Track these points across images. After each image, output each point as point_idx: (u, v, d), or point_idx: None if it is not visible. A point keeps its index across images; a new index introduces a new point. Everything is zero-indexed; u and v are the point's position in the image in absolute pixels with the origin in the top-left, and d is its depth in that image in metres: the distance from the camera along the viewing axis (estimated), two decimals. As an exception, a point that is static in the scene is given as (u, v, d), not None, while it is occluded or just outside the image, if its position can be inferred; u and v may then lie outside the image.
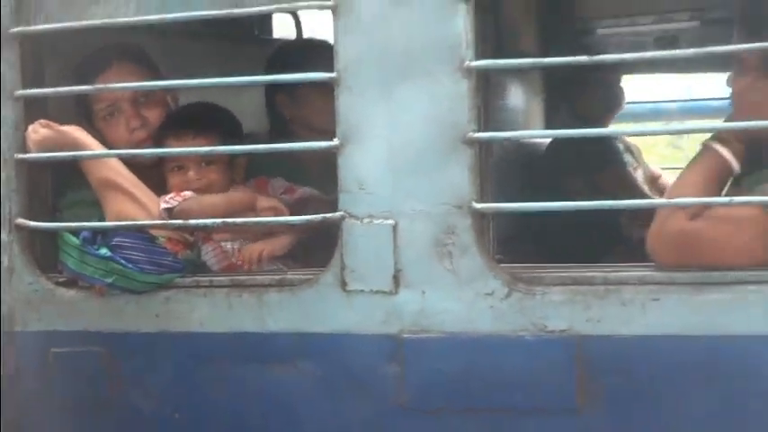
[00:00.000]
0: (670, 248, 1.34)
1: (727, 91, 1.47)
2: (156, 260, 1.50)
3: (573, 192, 2.42)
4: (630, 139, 3.10)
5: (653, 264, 1.35)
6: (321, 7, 1.34)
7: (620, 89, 2.95)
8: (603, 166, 2.69)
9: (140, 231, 1.51)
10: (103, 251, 1.47)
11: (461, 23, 1.28)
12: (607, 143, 2.78)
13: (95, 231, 1.50)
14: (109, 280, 1.46)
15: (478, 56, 1.30)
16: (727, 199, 1.33)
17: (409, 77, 1.31)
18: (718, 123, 1.71)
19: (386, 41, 1.32)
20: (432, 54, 1.30)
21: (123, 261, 1.47)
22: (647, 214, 1.46)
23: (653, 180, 2.99)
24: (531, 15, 2.66)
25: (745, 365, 1.25)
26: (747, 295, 1.23)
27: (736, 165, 1.38)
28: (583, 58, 1.30)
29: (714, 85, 3.28)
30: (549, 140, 2.84)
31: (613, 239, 2.44)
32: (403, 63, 1.31)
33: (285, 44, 2.45)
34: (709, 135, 1.43)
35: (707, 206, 1.31)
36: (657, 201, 1.45)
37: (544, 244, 2.42)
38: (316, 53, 1.83)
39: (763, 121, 1.33)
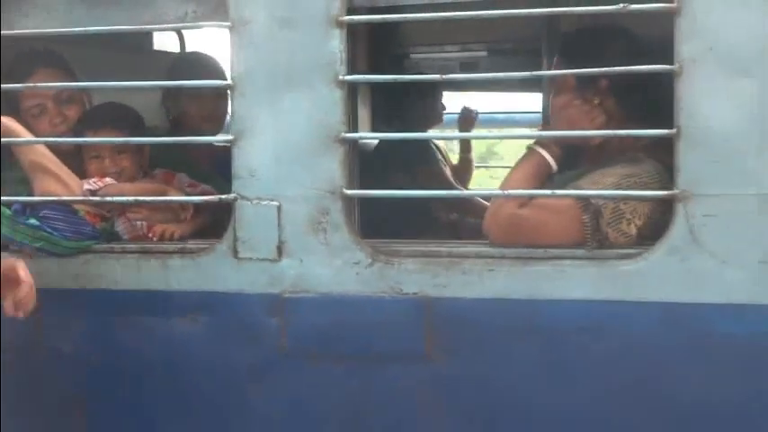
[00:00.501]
0: (502, 229, 1.63)
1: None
2: (77, 229, 1.74)
3: (395, 184, 2.78)
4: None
5: (487, 241, 1.67)
6: (220, 26, 1.60)
7: (438, 104, 3.37)
8: (421, 163, 3.10)
9: (64, 205, 1.75)
10: (32, 221, 1.71)
11: (337, 45, 1.57)
12: (423, 145, 3.20)
13: (25, 204, 1.73)
14: (37, 245, 1.71)
15: (350, 71, 1.59)
16: (549, 192, 1.64)
17: (293, 87, 1.57)
18: (538, 132, 2.07)
19: (274, 56, 1.58)
20: (312, 68, 1.57)
21: (49, 230, 1.71)
22: (460, 202, 1.77)
23: (456, 174, 3.47)
24: (365, 42, 3.00)
25: (562, 324, 1.55)
26: (564, 268, 1.55)
27: (554, 165, 1.71)
28: (435, 77, 1.62)
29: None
30: (376, 142, 3.20)
31: (428, 222, 2.87)
32: (288, 75, 1.58)
33: (181, 56, 2.81)
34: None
35: (532, 197, 1.64)
36: (495, 191, 1.76)
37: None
38: (204, 64, 2.34)
39: (576, 131, 1.68)
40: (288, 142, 1.59)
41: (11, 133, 1.76)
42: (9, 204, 1.72)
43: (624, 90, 1.65)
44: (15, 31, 1.63)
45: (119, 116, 1.96)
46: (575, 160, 1.76)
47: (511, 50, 3.45)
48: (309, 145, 1.59)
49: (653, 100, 1.59)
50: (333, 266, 1.61)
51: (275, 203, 1.60)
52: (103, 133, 1.91)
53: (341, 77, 1.56)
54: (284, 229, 1.60)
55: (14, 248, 1.71)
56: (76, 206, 1.76)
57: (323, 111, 1.58)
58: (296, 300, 1.62)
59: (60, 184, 1.79)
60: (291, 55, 1.57)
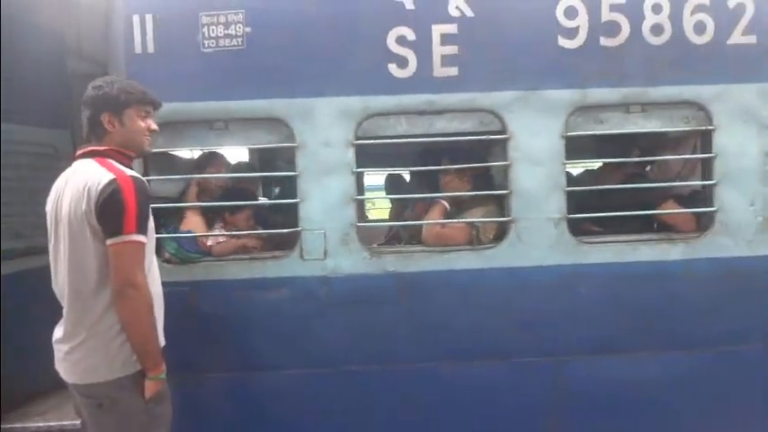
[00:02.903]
0: (434, 239, 3.39)
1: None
2: (196, 249, 3.32)
3: None
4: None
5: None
6: (290, 146, 3.27)
7: None
8: None
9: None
10: (173, 243, 3.29)
11: (351, 154, 3.24)
12: None
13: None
14: (177, 255, 3.27)
15: (358, 167, 3.28)
16: (456, 220, 3.43)
17: (330, 174, 3.21)
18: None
19: (319, 161, 3.21)
20: (340, 166, 3.21)
21: (182, 249, 3.28)
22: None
23: None
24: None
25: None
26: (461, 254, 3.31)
27: (448, 206, 3.47)
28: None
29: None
30: None
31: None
32: (327, 169, 3.22)
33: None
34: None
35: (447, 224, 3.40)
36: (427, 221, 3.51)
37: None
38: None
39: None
40: (328, 201, 3.23)
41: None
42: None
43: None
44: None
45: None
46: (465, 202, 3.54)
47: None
48: (338, 202, 3.24)
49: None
50: (351, 260, 3.26)
51: (322, 232, 3.25)
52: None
53: (353, 170, 3.25)
54: (328, 243, 3.25)
55: (167, 257, 3.26)
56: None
57: (345, 186, 3.24)
58: (334, 278, 3.26)
59: (193, 226, 3.38)
60: (327, 159, 3.21)
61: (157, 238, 3.21)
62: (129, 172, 2.56)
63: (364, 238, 3.32)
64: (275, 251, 3.42)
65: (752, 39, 3.22)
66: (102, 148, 2.62)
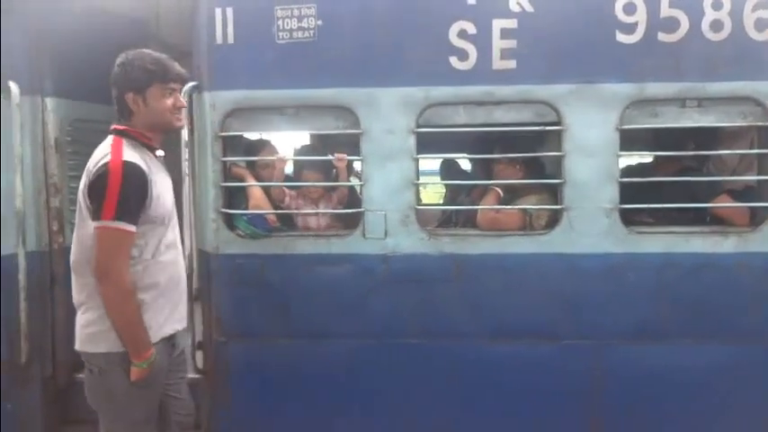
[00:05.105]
0: (488, 224, 3.54)
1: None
2: (263, 226, 3.51)
3: None
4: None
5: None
6: (356, 132, 3.48)
7: None
8: None
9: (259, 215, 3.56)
10: (244, 219, 3.51)
11: (413, 141, 3.42)
12: None
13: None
14: (248, 232, 3.47)
15: (418, 153, 3.46)
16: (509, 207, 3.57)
17: (393, 159, 3.39)
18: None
19: (382, 147, 3.38)
20: (402, 151, 3.40)
21: (251, 226, 3.49)
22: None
23: None
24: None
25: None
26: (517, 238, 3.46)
27: (501, 194, 3.62)
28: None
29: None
30: None
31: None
32: (390, 154, 3.38)
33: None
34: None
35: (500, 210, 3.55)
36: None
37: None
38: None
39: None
40: (389, 185, 3.42)
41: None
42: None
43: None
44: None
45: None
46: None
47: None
48: (398, 186, 3.42)
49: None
50: (410, 240, 3.44)
51: (383, 213, 3.45)
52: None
53: (414, 156, 3.43)
54: (388, 224, 3.44)
55: (238, 233, 3.49)
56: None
57: (405, 171, 3.42)
58: (393, 256, 3.46)
59: (259, 203, 3.60)
60: (390, 146, 3.39)
61: (231, 216, 3.47)
62: (126, 156, 2.46)
63: (421, 220, 3.48)
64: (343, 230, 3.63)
65: (814, 36, 3.21)
66: (122, 127, 2.59)
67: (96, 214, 2.45)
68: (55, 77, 3.80)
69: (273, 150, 3.93)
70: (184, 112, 3.13)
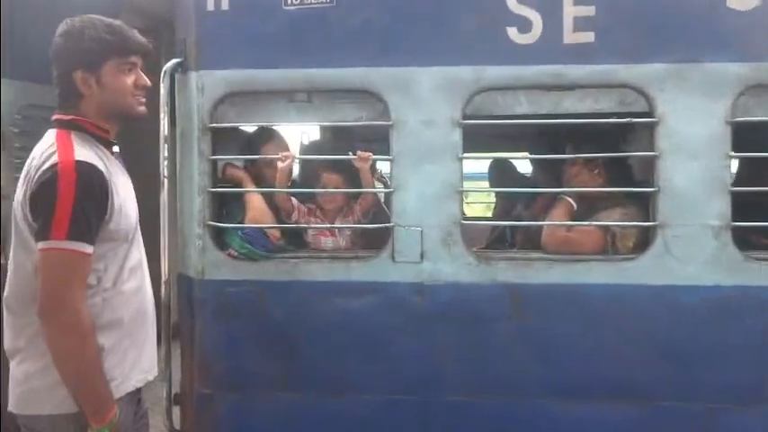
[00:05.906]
0: (557, 245, 2.80)
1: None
2: (262, 244, 2.83)
3: None
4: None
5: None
6: (385, 124, 2.73)
7: None
8: None
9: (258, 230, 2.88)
10: (239, 236, 2.85)
11: (457, 136, 2.69)
12: None
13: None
14: (242, 251, 2.82)
15: (464, 152, 2.72)
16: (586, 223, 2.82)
17: (431, 160, 2.69)
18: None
19: (419, 142, 2.69)
20: (442, 150, 2.68)
21: (247, 244, 2.82)
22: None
23: None
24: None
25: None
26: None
27: (575, 205, 2.89)
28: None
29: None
30: None
31: None
32: (428, 153, 2.69)
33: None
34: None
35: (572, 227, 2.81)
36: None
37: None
38: None
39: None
40: (427, 192, 2.72)
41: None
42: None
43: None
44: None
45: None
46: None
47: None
48: (438, 194, 2.72)
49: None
50: (453, 265, 2.72)
51: (419, 229, 2.72)
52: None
53: (459, 155, 2.70)
54: (425, 244, 2.72)
55: (228, 252, 2.84)
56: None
57: (448, 175, 2.71)
58: (431, 286, 2.74)
59: (258, 215, 2.91)
60: (429, 142, 2.72)
61: (221, 231, 2.84)
62: (79, 155, 2.05)
63: (467, 238, 2.81)
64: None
65: None
66: (68, 116, 2.15)
67: (42, 233, 2.03)
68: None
69: (282, 145, 3.17)
70: (163, 98, 2.81)
